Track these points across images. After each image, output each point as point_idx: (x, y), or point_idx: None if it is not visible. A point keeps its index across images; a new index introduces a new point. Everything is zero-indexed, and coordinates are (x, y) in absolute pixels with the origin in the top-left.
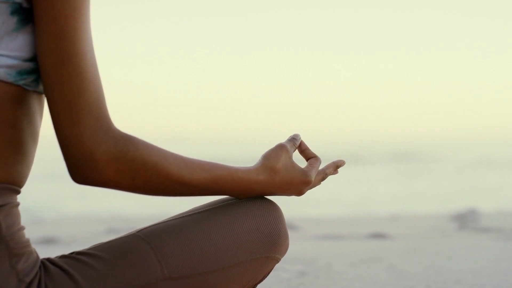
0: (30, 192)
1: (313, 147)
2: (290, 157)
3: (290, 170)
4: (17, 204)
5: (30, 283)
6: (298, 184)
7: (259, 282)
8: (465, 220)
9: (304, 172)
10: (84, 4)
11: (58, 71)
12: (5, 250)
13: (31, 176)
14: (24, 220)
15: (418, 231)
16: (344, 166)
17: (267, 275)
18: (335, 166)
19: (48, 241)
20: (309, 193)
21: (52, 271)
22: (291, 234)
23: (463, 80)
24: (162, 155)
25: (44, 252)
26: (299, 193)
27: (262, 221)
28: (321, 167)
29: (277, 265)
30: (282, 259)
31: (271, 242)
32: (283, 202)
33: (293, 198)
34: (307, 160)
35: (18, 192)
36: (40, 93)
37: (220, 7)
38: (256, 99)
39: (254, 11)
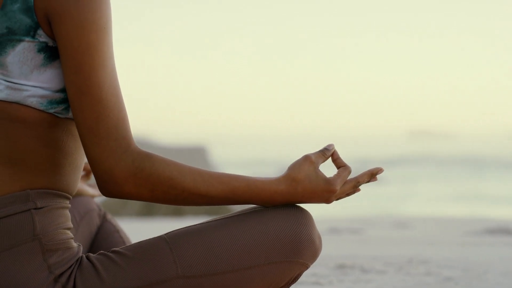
0: None
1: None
2: (315, 167)
3: (313, 179)
4: (60, 207)
5: (60, 275)
6: (323, 193)
7: (284, 287)
8: None
9: (327, 181)
10: (99, 40)
11: (79, 100)
12: (38, 246)
13: None
14: None
15: None
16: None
17: (294, 280)
18: (370, 174)
19: None
20: None
21: (84, 266)
22: (503, 239)
23: None
24: (178, 170)
25: None
26: (327, 201)
27: (284, 226)
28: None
29: (431, 269)
30: (442, 264)
31: (293, 247)
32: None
33: None
34: (338, 169)
35: (64, 197)
36: (71, 119)
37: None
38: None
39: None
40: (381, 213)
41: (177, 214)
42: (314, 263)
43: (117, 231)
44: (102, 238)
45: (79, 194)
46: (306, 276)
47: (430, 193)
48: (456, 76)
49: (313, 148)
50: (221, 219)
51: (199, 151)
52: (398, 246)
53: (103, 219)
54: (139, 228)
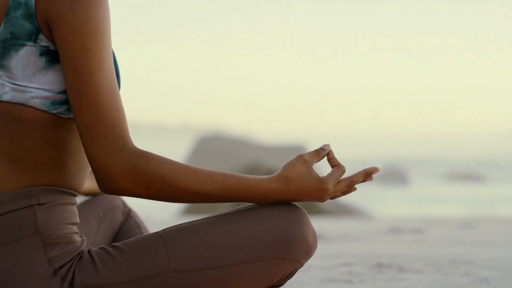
0: None
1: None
2: (308, 167)
3: (306, 178)
4: (64, 203)
5: (60, 267)
6: (315, 191)
7: (278, 283)
8: None
9: (320, 180)
10: (96, 44)
11: (77, 101)
12: (39, 240)
13: None
14: None
15: None
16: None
17: (288, 276)
18: (365, 174)
19: (320, 236)
20: None
21: (84, 259)
22: None
23: None
24: (172, 168)
25: None
26: (320, 199)
27: (278, 224)
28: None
29: (470, 270)
30: (485, 264)
31: (285, 243)
32: None
33: None
34: (332, 168)
35: (69, 193)
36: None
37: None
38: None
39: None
40: (468, 213)
41: None
42: (354, 261)
43: (139, 227)
44: (124, 234)
45: None
46: (341, 274)
47: None
48: None
49: (411, 147)
50: (217, 216)
51: (298, 150)
52: (448, 246)
53: (127, 216)
54: None
